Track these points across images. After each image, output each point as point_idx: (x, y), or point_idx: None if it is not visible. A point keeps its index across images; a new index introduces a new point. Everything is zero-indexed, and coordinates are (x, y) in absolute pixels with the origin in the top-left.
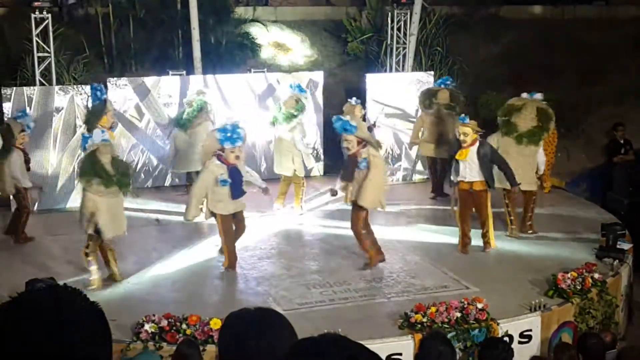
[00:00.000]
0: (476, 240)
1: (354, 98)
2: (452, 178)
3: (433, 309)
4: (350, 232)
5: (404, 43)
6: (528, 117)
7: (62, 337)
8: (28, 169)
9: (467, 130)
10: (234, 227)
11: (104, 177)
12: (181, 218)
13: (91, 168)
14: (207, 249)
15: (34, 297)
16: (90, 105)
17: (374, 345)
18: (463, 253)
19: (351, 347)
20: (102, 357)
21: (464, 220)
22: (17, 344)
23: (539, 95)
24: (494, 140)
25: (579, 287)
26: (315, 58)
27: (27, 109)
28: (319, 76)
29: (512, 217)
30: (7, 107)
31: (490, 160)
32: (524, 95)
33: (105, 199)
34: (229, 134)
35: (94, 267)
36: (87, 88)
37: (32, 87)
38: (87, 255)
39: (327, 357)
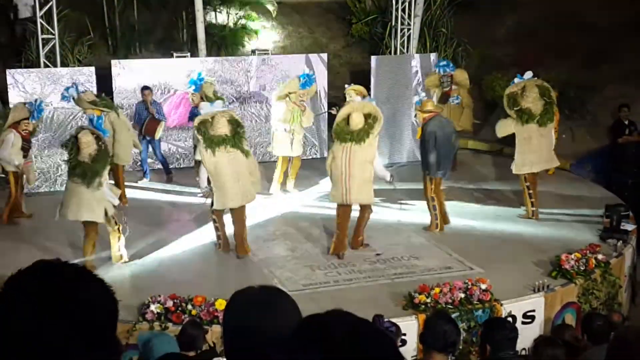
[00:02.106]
0: (479, 221)
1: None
2: None
3: (437, 289)
4: (354, 214)
5: (409, 24)
6: (534, 97)
7: (73, 312)
8: (25, 156)
9: (416, 110)
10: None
11: (70, 162)
12: (188, 199)
13: (67, 149)
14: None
15: (44, 270)
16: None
17: None
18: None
19: (358, 322)
20: (110, 334)
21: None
22: (26, 316)
23: (528, 74)
24: (509, 129)
25: (582, 268)
26: (319, 40)
27: (40, 98)
28: (323, 58)
29: (532, 199)
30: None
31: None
32: (516, 80)
33: (72, 183)
34: None
35: (87, 250)
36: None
37: (35, 69)
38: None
39: (334, 332)
